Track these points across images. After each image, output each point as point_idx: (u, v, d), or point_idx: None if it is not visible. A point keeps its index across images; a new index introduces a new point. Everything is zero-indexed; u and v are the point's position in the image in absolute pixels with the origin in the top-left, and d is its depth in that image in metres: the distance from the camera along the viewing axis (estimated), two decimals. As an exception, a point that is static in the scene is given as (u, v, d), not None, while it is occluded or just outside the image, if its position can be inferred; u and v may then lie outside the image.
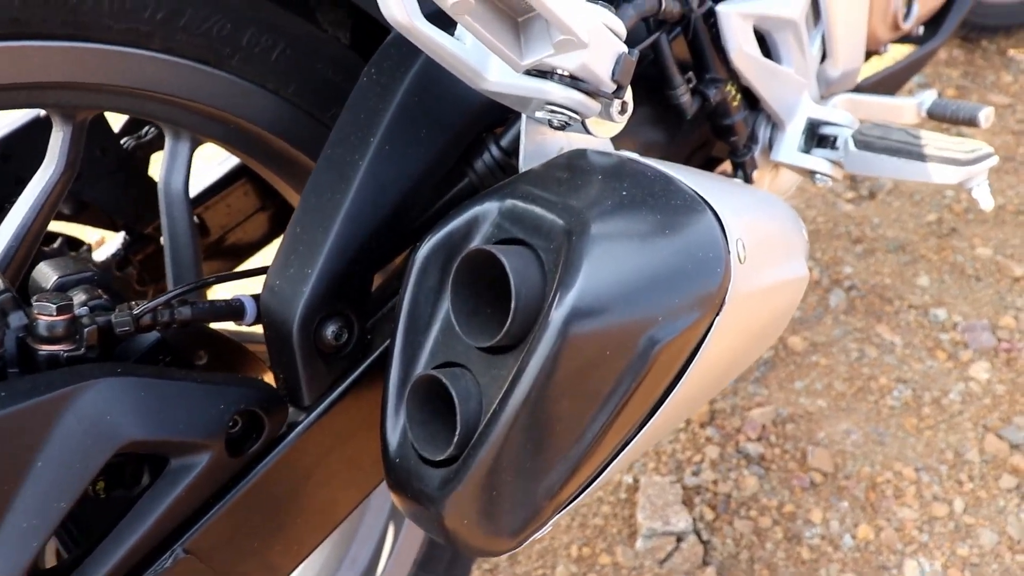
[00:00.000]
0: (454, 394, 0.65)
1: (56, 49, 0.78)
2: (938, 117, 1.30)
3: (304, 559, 0.86)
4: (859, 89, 1.39)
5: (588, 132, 0.79)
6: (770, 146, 1.22)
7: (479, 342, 0.66)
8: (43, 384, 0.68)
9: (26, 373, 0.72)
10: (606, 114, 0.77)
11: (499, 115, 0.90)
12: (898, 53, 1.63)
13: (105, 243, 1.25)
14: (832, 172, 1.20)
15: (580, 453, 0.63)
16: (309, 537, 0.85)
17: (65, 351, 0.71)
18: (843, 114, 1.19)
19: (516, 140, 0.91)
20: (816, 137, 1.21)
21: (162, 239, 1.18)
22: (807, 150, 1.21)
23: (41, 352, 0.71)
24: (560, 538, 1.65)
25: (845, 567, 1.56)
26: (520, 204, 0.68)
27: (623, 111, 0.78)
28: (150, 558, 0.76)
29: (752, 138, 1.20)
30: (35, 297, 0.73)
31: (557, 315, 0.60)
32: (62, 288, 0.78)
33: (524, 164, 0.83)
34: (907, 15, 1.46)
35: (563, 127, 0.74)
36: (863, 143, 1.14)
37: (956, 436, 1.73)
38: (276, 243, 1.32)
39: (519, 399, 0.61)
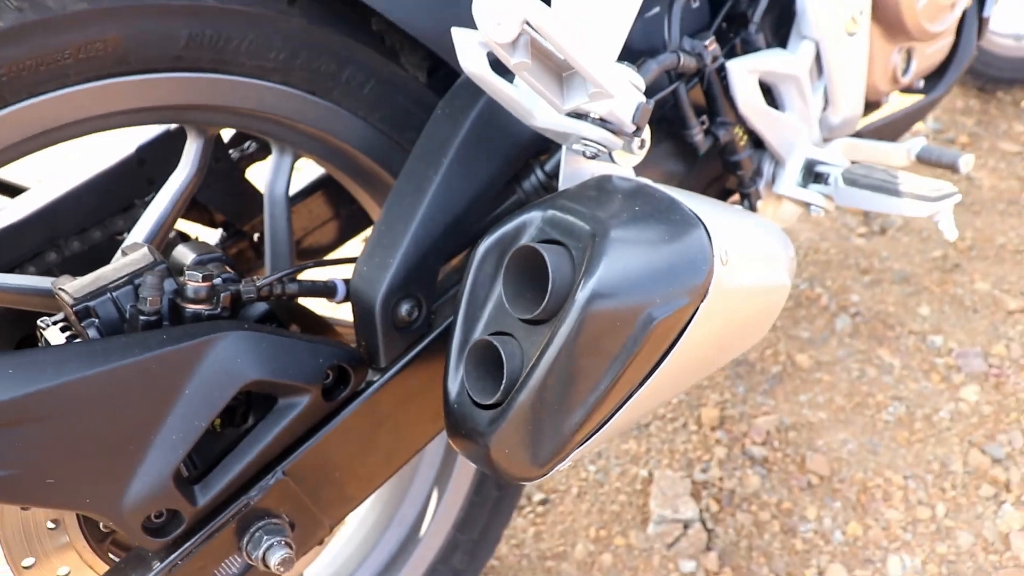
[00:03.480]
0: (503, 353, 0.86)
1: (204, 80, 1.01)
2: (925, 161, 1.50)
3: (373, 492, 1.07)
4: (860, 135, 1.59)
5: (614, 162, 1.00)
6: (773, 180, 1.42)
7: (523, 315, 0.87)
8: (191, 333, 0.90)
9: (176, 326, 0.94)
10: (628, 148, 0.99)
11: (544, 145, 1.12)
12: (902, 103, 1.83)
13: (199, 238, 1.48)
14: (824, 204, 1.40)
15: (594, 401, 0.84)
16: (378, 474, 1.07)
17: (206, 310, 0.94)
18: (836, 155, 1.39)
19: (557, 166, 1.13)
20: (812, 174, 1.41)
21: (256, 235, 1.42)
22: (804, 185, 1.41)
23: (188, 311, 0.94)
24: (580, 520, 1.85)
25: (834, 558, 1.74)
26: (559, 214, 0.89)
27: (641, 147, 1.00)
28: (257, 477, 0.98)
29: (757, 172, 1.41)
30: (187, 267, 0.95)
31: (581, 296, 0.81)
32: (200, 264, 1.00)
33: (563, 185, 1.04)
34: (906, 70, 1.66)
35: (594, 157, 0.95)
36: (850, 180, 1.34)
37: (943, 449, 1.90)
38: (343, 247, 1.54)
39: (551, 358, 0.82)
